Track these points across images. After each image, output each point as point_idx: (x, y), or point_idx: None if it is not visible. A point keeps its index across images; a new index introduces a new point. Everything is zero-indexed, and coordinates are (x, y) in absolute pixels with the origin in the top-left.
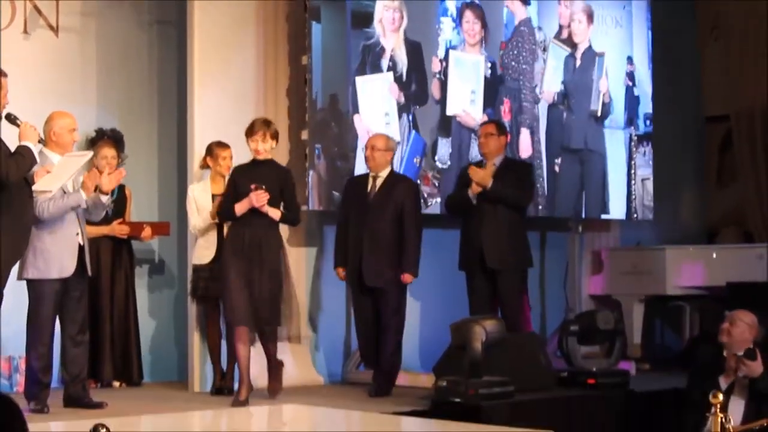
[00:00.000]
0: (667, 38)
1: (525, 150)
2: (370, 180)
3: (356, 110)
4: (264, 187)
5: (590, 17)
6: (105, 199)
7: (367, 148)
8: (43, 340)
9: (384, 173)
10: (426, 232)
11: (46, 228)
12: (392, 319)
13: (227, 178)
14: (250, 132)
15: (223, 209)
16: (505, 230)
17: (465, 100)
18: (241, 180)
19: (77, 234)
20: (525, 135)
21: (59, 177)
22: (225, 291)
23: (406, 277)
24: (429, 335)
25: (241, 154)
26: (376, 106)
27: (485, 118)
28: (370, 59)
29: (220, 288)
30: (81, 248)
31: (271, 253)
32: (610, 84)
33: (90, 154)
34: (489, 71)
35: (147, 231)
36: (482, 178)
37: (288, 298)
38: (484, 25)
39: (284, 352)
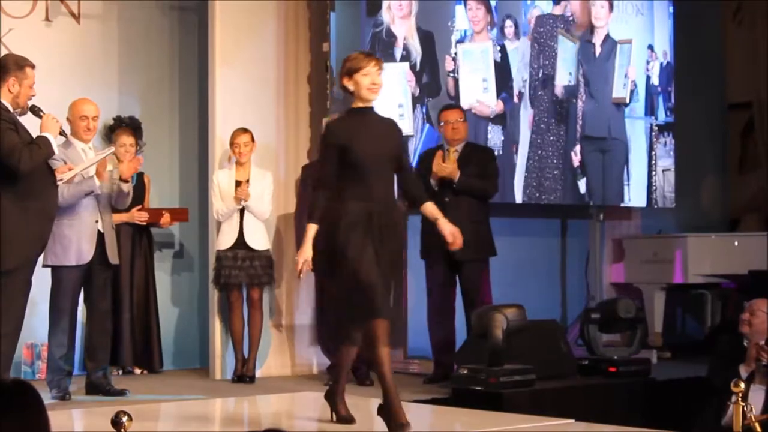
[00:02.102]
0: (689, 25)
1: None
2: None
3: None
4: None
5: (611, 4)
6: (125, 186)
7: None
8: (64, 327)
9: None
10: None
11: (65, 215)
12: None
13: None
14: (355, 67)
15: (327, 179)
16: (468, 219)
17: (477, 89)
18: (353, 140)
19: (96, 221)
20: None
21: (81, 168)
22: (358, 276)
23: None
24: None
25: (261, 138)
26: (390, 97)
27: (500, 105)
28: (381, 48)
29: (339, 274)
30: (101, 236)
31: (399, 233)
32: (630, 73)
33: (111, 149)
34: (499, 55)
35: (166, 217)
36: (450, 172)
37: None
38: (489, 10)
39: (295, 339)
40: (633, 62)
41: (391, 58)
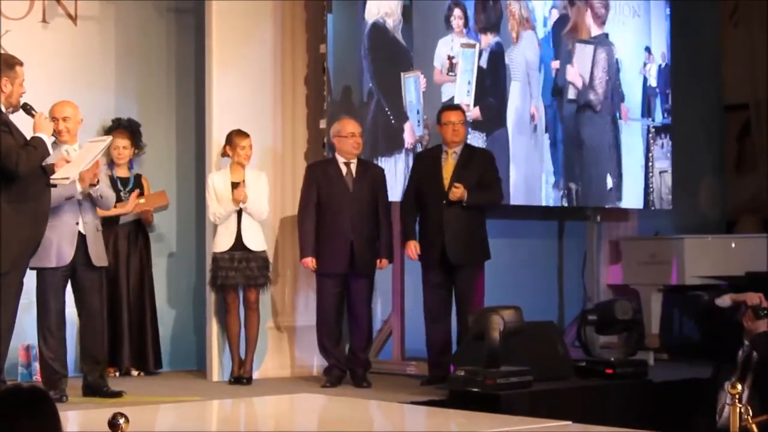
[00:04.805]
0: (686, 27)
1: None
2: (343, 167)
3: (404, 115)
4: None
5: (597, 7)
6: (93, 191)
7: (350, 135)
8: (51, 329)
9: (355, 160)
10: None
11: None
12: (368, 307)
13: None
14: None
15: None
16: (466, 223)
17: (463, 92)
18: None
19: (77, 223)
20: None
21: (78, 164)
22: None
23: (385, 263)
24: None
25: (258, 139)
26: (410, 105)
27: (476, 112)
28: (389, 54)
29: None
30: (83, 238)
31: None
32: (627, 75)
33: (109, 139)
34: (486, 61)
35: (146, 208)
36: (461, 195)
37: None
38: (485, 15)
39: (294, 340)
40: (624, 66)
41: (406, 66)
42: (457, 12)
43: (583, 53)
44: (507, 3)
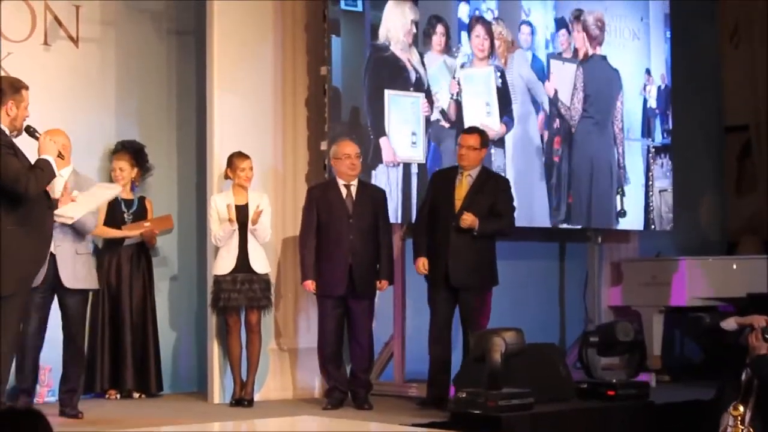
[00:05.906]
0: (687, 48)
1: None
2: (343, 189)
3: (382, 131)
4: None
5: (593, 28)
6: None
7: (344, 157)
8: (25, 350)
9: (355, 182)
10: None
11: None
12: (369, 328)
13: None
14: None
15: None
16: (474, 251)
17: (481, 113)
18: None
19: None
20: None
21: (84, 205)
22: None
23: (385, 285)
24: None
25: (259, 161)
26: (405, 126)
27: (503, 128)
28: (392, 74)
29: None
30: (54, 259)
31: None
32: (627, 97)
33: (118, 188)
34: (500, 81)
35: (151, 232)
36: (471, 223)
37: None
38: (493, 40)
39: (296, 362)
40: (624, 87)
41: (404, 86)
42: (440, 29)
43: (561, 69)
44: (494, 28)
